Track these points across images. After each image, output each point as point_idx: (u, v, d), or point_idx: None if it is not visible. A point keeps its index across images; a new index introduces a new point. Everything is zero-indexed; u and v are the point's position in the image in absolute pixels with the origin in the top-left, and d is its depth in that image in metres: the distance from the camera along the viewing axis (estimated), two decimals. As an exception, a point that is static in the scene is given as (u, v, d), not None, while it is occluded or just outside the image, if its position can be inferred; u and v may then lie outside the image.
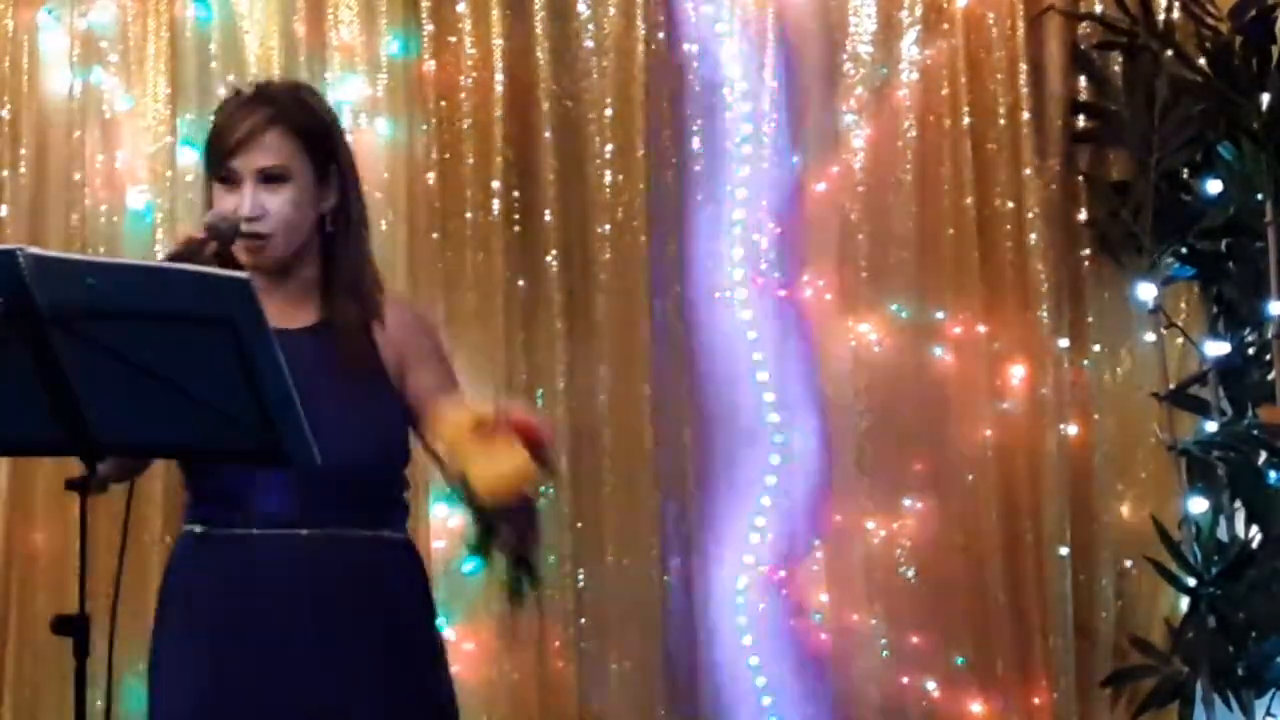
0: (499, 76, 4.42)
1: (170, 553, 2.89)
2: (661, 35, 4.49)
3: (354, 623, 2.74)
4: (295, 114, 2.81)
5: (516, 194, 4.43)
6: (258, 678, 2.70)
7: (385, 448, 2.82)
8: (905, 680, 4.44)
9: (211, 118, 2.87)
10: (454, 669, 4.26)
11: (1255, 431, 4.38)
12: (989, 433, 4.44)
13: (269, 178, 2.74)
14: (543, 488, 2.60)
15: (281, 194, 2.75)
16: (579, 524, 4.37)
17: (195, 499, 2.82)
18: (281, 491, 2.71)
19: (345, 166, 2.86)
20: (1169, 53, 4.43)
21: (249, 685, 2.70)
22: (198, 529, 2.80)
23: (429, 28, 4.45)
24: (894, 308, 4.51)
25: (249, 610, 2.72)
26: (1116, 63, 4.52)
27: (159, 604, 2.83)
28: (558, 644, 4.35)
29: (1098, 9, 4.53)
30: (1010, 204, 4.47)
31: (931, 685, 4.44)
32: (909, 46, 4.53)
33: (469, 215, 4.42)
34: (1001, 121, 4.48)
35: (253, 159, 2.74)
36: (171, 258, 2.62)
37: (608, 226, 4.44)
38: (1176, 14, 4.47)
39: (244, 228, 2.72)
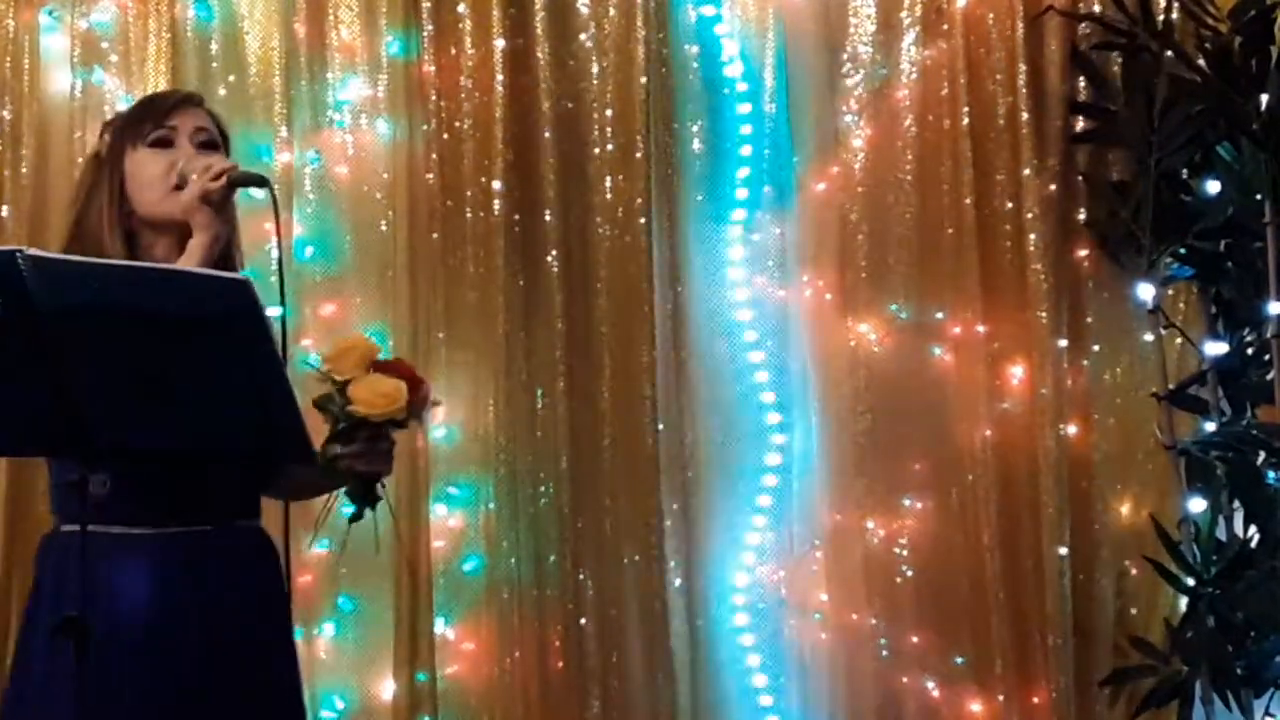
0: (499, 77, 4.42)
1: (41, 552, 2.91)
2: (661, 35, 4.50)
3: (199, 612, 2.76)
4: (212, 110, 3.01)
5: (517, 194, 4.43)
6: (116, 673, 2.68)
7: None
8: (905, 680, 4.44)
9: None
10: (454, 669, 4.35)
11: (1254, 431, 4.38)
12: (988, 433, 4.44)
13: (204, 142, 2.89)
14: (402, 425, 2.77)
15: (216, 157, 2.87)
16: (579, 524, 4.37)
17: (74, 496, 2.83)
18: (125, 487, 2.69)
19: None
20: (1168, 53, 4.43)
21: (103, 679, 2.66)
22: (60, 526, 2.83)
23: (429, 28, 4.45)
24: (893, 308, 4.51)
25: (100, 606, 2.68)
26: (1116, 63, 4.52)
27: (35, 602, 2.85)
28: (558, 644, 4.36)
29: (1097, 9, 4.53)
30: (1010, 204, 4.47)
31: (931, 685, 4.44)
32: (909, 47, 4.54)
33: (469, 215, 4.43)
34: (1001, 122, 4.48)
35: (191, 120, 2.90)
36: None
37: (608, 227, 4.45)
38: (1176, 14, 4.46)
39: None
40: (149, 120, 2.89)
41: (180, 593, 2.74)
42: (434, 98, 4.43)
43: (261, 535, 2.91)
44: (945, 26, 4.52)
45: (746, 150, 4.55)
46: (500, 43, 4.43)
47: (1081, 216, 4.53)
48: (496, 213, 4.39)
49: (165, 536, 2.75)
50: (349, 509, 2.79)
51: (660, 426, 4.40)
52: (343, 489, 2.79)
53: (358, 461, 2.71)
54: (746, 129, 4.55)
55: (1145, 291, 4.45)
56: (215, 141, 2.91)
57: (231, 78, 4.43)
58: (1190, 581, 4.34)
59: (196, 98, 3.00)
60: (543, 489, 4.38)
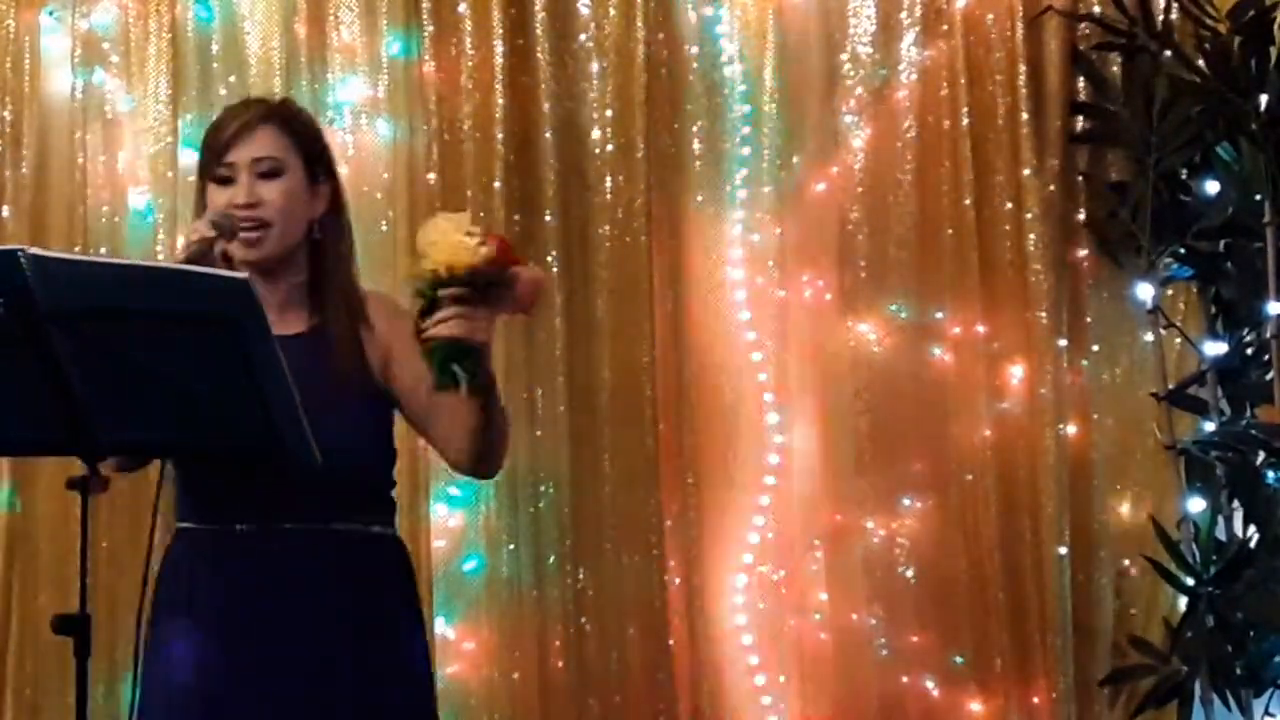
0: (499, 77, 4.42)
1: (165, 551, 2.90)
2: (661, 36, 4.50)
3: (337, 615, 2.78)
4: (286, 114, 2.92)
5: (517, 194, 4.43)
6: (251, 669, 2.73)
7: (375, 448, 2.88)
8: (905, 679, 4.44)
9: (213, 118, 2.94)
10: (454, 669, 4.35)
11: (1253, 431, 4.38)
12: (988, 433, 4.44)
13: (264, 173, 2.81)
14: (489, 286, 2.60)
15: (276, 185, 2.82)
16: (579, 524, 4.37)
17: (186, 496, 2.85)
18: (276, 489, 2.72)
19: (333, 176, 2.94)
20: (1167, 53, 4.44)
21: (243, 677, 2.73)
22: (189, 526, 2.83)
23: (430, 28, 4.45)
24: (893, 308, 4.52)
25: (242, 604, 2.75)
26: (1115, 63, 4.52)
27: (155, 601, 2.85)
28: (558, 644, 4.36)
29: (1096, 10, 4.54)
30: (1009, 204, 4.47)
31: (931, 684, 4.44)
32: (908, 47, 4.54)
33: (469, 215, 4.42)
34: (1000, 122, 4.49)
35: (247, 151, 2.82)
36: (188, 262, 2.65)
37: (608, 226, 4.45)
38: (1175, 15, 4.47)
39: (241, 214, 2.77)
40: (212, 158, 2.84)
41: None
42: (434, 98, 4.43)
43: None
44: (945, 27, 4.53)
45: (746, 150, 4.55)
46: (500, 43, 4.43)
47: (1081, 217, 4.54)
48: (496, 213, 4.40)
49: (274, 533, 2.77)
50: (443, 379, 2.58)
51: (660, 426, 4.40)
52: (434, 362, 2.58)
53: (443, 327, 2.56)
54: (746, 129, 4.55)
55: (1145, 291, 4.45)
56: (277, 169, 2.81)
57: (232, 78, 4.43)
58: (1190, 581, 4.35)
59: (256, 117, 2.86)
60: (543, 489, 4.39)
